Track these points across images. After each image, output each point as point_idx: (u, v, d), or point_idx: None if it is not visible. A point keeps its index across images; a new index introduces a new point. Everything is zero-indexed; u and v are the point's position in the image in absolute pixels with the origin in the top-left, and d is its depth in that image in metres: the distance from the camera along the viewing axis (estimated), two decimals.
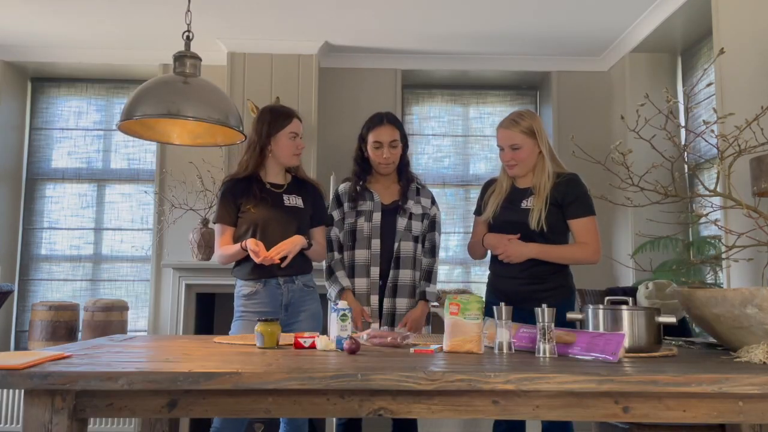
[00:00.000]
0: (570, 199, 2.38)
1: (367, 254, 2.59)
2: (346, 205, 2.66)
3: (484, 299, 1.80)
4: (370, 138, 2.62)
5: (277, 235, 2.42)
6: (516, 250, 2.36)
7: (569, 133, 4.39)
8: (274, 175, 2.53)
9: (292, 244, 2.38)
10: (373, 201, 2.63)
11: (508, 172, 2.49)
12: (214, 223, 2.52)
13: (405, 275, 2.59)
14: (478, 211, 2.61)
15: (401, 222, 2.61)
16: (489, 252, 2.53)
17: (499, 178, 2.55)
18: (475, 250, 2.60)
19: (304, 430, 2.40)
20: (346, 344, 1.71)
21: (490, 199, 2.52)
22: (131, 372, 1.34)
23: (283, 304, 2.45)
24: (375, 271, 2.58)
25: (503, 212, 2.46)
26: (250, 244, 2.32)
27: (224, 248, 2.45)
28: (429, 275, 2.66)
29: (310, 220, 2.55)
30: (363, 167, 2.68)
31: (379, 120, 2.64)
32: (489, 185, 2.60)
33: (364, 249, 2.60)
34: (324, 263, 2.65)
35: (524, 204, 2.42)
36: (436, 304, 2.80)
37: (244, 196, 2.46)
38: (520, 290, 2.37)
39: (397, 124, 2.65)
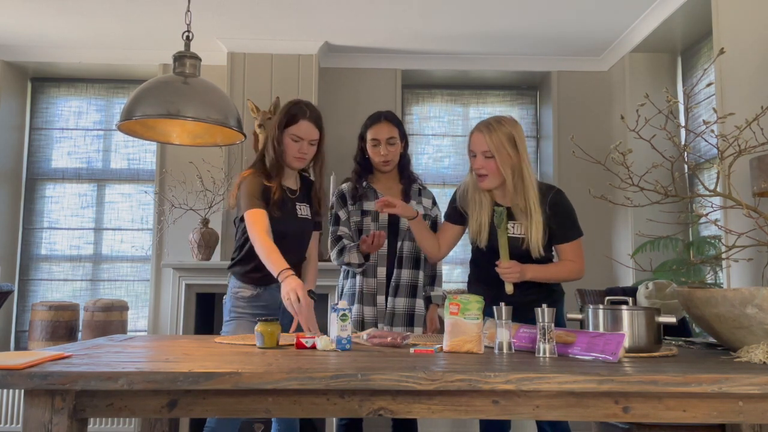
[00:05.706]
0: (560, 223, 2.26)
1: (374, 254, 2.58)
2: (350, 204, 2.64)
3: (483, 299, 1.79)
4: (369, 135, 2.63)
5: (289, 247, 2.39)
6: (517, 278, 2.20)
7: (569, 133, 4.39)
8: (286, 176, 2.46)
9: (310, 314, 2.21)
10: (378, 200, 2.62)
11: (479, 184, 2.29)
12: (246, 209, 2.27)
13: (406, 275, 2.59)
14: (452, 218, 2.42)
15: (404, 221, 2.60)
16: (474, 266, 2.43)
17: (476, 196, 2.33)
18: (431, 246, 2.40)
19: (295, 428, 2.40)
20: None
21: (475, 220, 2.32)
22: (131, 372, 1.34)
23: (282, 307, 2.43)
24: (382, 271, 2.58)
25: (492, 238, 2.28)
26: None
27: (264, 243, 2.18)
28: (433, 279, 2.67)
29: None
30: (364, 167, 2.68)
31: (377, 117, 2.65)
32: (463, 193, 2.38)
33: None
34: (332, 252, 2.62)
35: (511, 231, 2.25)
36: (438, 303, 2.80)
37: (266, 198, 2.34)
38: (520, 302, 2.18)
39: (395, 121, 2.65)
